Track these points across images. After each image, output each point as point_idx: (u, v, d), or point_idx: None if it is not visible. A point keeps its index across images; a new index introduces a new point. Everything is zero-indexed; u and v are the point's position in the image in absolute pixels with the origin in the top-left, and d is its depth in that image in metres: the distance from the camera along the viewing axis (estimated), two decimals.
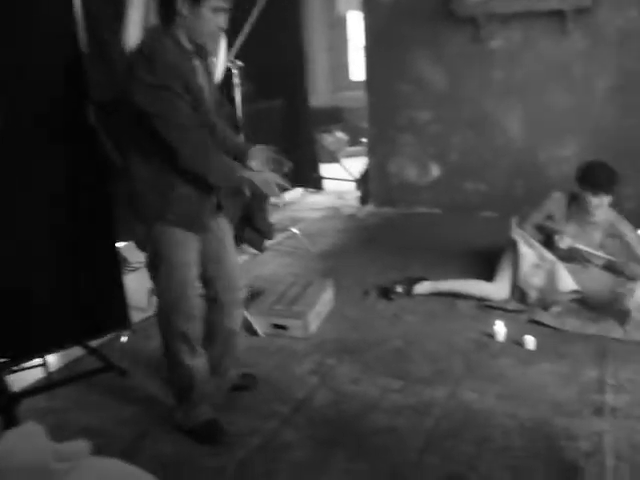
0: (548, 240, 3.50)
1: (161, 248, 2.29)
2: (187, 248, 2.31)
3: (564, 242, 3.40)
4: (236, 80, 3.78)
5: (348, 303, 3.65)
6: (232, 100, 3.80)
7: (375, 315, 3.49)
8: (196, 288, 2.41)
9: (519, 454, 2.24)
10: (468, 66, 5.24)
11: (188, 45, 2.19)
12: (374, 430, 2.43)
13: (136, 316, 3.23)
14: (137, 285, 3.35)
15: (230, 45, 3.85)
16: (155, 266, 2.33)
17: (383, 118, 5.71)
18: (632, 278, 3.34)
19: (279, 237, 4.93)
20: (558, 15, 4.81)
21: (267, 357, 3.06)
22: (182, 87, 2.11)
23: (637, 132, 4.81)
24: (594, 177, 3.36)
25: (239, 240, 4.55)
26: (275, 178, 2.28)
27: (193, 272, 2.35)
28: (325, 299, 3.51)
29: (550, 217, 3.54)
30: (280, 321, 3.27)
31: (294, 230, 5.01)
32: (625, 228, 3.46)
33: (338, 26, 9.91)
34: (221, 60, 3.60)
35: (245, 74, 3.91)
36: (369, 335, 3.24)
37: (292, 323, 3.24)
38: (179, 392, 2.48)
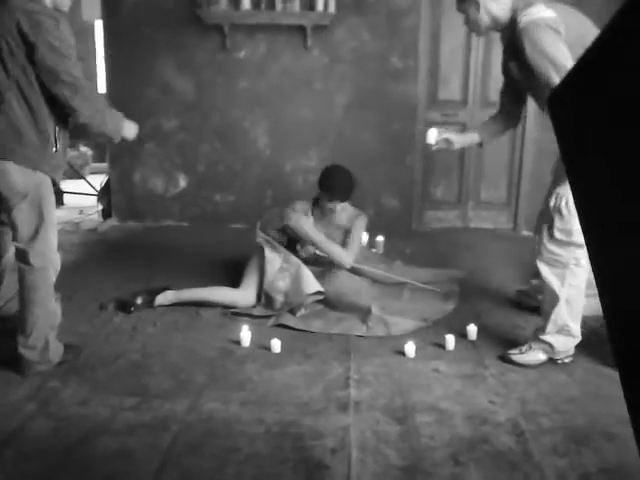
0: (291, 243, 3.47)
1: (46, 198, 2.48)
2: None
3: (305, 251, 3.46)
4: None
5: (80, 319, 3.20)
6: None
7: (111, 330, 3.11)
8: None
9: (265, 462, 2.06)
10: (216, 75, 5.11)
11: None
12: (102, 456, 2.08)
13: None
14: None
15: None
16: (42, 217, 2.47)
17: None
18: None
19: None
20: (300, 30, 4.94)
21: None
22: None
23: (371, 145, 5.11)
24: (333, 183, 3.44)
25: None
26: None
27: None
28: None
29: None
30: None
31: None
32: (356, 227, 3.54)
33: (84, 35, 9.23)
34: None
35: None
36: (102, 351, 2.86)
37: None
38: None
